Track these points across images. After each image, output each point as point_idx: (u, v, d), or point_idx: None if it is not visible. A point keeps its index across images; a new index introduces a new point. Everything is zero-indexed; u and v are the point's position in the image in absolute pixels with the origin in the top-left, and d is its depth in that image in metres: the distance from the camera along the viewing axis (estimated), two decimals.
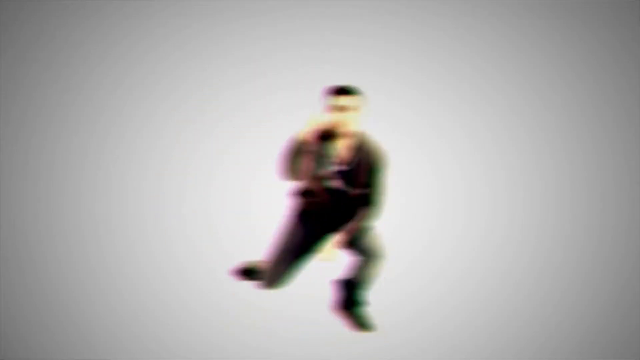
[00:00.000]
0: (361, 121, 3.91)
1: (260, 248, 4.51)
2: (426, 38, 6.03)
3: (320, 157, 3.93)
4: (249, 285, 4.45)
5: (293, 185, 4.10)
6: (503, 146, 5.61)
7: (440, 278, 4.68)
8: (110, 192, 5.21)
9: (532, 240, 4.97)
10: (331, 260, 3.96)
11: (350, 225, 4.00)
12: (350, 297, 4.18)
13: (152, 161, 5.45)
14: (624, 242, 4.95)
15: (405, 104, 5.84)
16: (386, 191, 4.05)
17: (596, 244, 4.94)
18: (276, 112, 5.71)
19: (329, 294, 4.35)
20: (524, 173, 5.44)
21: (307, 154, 3.92)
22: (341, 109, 3.83)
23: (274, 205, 4.67)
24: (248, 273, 4.43)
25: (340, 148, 3.93)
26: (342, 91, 3.84)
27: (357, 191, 3.99)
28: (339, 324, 4.20)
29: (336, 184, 3.95)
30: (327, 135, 3.94)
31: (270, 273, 4.13)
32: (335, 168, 3.93)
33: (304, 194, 4.06)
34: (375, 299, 4.52)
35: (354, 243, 4.03)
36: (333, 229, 4.09)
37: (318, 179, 3.97)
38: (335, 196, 3.99)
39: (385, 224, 5.09)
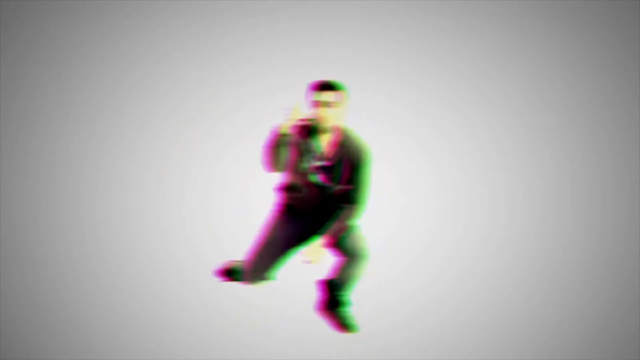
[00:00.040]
0: (345, 116, 3.91)
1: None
2: (426, 38, 6.03)
3: (304, 152, 3.92)
4: (235, 284, 4.46)
5: (279, 178, 4.09)
6: (503, 146, 5.62)
7: (440, 278, 4.68)
8: (110, 192, 5.21)
9: (532, 240, 4.97)
10: (319, 261, 3.95)
11: (336, 226, 3.98)
12: (334, 298, 4.17)
13: (152, 161, 5.45)
14: (624, 242, 4.95)
15: (405, 104, 5.84)
16: (369, 188, 4.04)
17: (596, 244, 4.94)
18: (276, 112, 5.71)
19: (315, 294, 4.36)
20: (524, 173, 5.44)
21: (291, 147, 3.91)
22: (324, 104, 3.81)
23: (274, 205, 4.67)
24: (231, 273, 4.42)
25: (323, 143, 3.92)
26: (325, 86, 3.83)
27: (340, 187, 3.97)
28: (325, 324, 4.20)
29: (320, 179, 3.94)
30: (310, 130, 3.93)
31: (253, 267, 4.10)
32: (318, 163, 3.92)
33: (289, 188, 4.05)
34: (375, 299, 4.52)
35: (338, 243, 4.02)
36: (318, 224, 4.08)
37: (303, 173, 3.96)
38: (321, 191, 3.98)
39: (385, 224, 5.09)
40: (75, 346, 4.08)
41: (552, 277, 4.69)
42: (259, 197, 5.19)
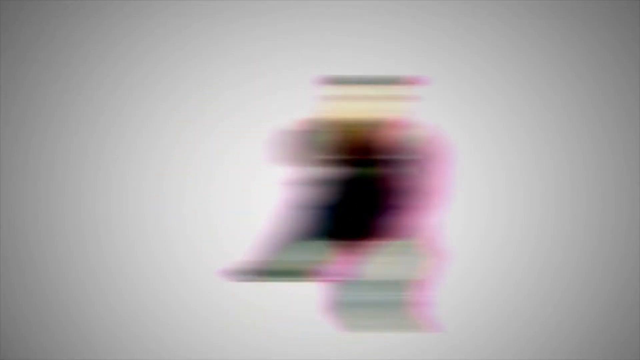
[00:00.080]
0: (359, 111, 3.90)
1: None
2: (426, 38, 6.03)
3: (315, 148, 3.92)
4: (244, 284, 4.45)
5: (287, 174, 4.09)
6: (503, 146, 5.61)
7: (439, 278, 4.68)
8: (110, 192, 5.21)
9: (532, 240, 4.96)
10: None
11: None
12: (340, 298, 4.16)
13: (152, 161, 5.44)
14: (624, 242, 4.95)
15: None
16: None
17: (596, 244, 4.94)
18: (276, 112, 5.71)
19: (321, 295, 4.36)
20: (524, 173, 5.44)
21: (301, 142, 3.91)
22: (337, 98, 3.81)
23: (274, 205, 4.66)
24: (239, 272, 4.42)
25: (336, 139, 3.92)
26: (336, 81, 3.82)
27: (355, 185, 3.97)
28: (334, 324, 4.20)
29: (332, 175, 3.94)
30: (321, 126, 3.92)
31: (260, 263, 4.10)
32: (331, 159, 3.92)
33: (298, 184, 4.04)
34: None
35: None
36: (328, 221, 4.08)
37: (313, 168, 3.95)
38: (331, 187, 3.98)
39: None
40: (75, 346, 4.07)
41: (552, 277, 4.69)
42: (259, 197, 5.19)
